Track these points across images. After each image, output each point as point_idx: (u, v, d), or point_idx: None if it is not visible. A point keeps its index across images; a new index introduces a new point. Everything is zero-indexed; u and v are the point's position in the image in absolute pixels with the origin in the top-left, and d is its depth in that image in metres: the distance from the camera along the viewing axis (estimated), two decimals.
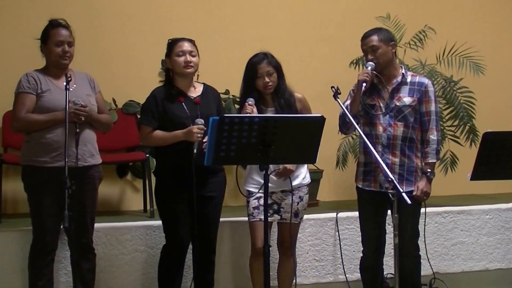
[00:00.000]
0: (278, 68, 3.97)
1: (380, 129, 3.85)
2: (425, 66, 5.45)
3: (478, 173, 3.51)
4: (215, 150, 3.16)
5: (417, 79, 3.92)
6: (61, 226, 3.78)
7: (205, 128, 3.67)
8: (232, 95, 5.42)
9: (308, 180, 4.07)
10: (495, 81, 6.23)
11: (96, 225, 4.19)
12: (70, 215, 3.15)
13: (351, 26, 5.93)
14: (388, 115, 3.85)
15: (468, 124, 5.37)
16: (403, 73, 3.89)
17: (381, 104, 3.87)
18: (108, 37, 5.46)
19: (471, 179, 3.54)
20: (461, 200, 5.51)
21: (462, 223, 5.13)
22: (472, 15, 6.41)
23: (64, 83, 3.70)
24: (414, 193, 3.79)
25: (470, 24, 6.33)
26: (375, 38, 3.84)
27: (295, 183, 3.93)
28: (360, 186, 3.96)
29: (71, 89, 3.67)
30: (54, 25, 3.79)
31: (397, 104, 3.85)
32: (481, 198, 5.70)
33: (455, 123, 5.41)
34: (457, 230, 5.12)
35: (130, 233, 4.44)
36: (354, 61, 5.46)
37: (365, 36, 3.88)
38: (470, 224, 5.15)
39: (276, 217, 3.99)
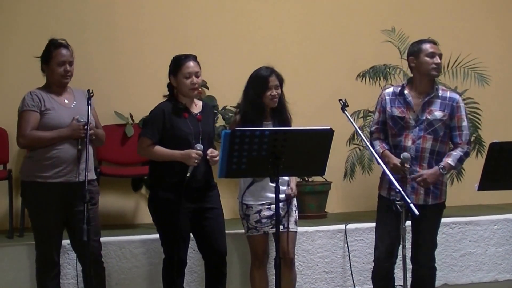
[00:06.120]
0: (282, 83, 4.08)
1: (409, 141, 3.87)
2: None
3: (485, 183, 3.54)
4: (227, 163, 3.22)
5: (448, 94, 3.95)
6: (63, 241, 3.88)
7: (203, 155, 3.79)
8: None
9: None
10: (500, 92, 6.25)
11: (110, 238, 4.25)
12: (88, 229, 3.20)
13: (356, 39, 6.03)
14: (417, 128, 3.88)
15: (474, 135, 5.37)
16: (436, 88, 3.92)
17: (411, 116, 3.89)
18: (125, 54, 5.52)
19: (478, 189, 3.57)
20: (469, 211, 5.53)
21: (470, 234, 5.14)
22: (476, 27, 6.43)
23: (66, 101, 3.84)
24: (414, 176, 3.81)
25: (474, 35, 6.36)
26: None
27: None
28: (384, 195, 3.97)
29: (72, 106, 3.81)
30: (56, 45, 3.86)
31: (428, 117, 3.87)
32: (489, 208, 5.71)
33: None
34: (465, 241, 5.13)
35: (144, 246, 4.47)
36: (361, 74, 5.52)
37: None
38: (478, 235, 5.15)
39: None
